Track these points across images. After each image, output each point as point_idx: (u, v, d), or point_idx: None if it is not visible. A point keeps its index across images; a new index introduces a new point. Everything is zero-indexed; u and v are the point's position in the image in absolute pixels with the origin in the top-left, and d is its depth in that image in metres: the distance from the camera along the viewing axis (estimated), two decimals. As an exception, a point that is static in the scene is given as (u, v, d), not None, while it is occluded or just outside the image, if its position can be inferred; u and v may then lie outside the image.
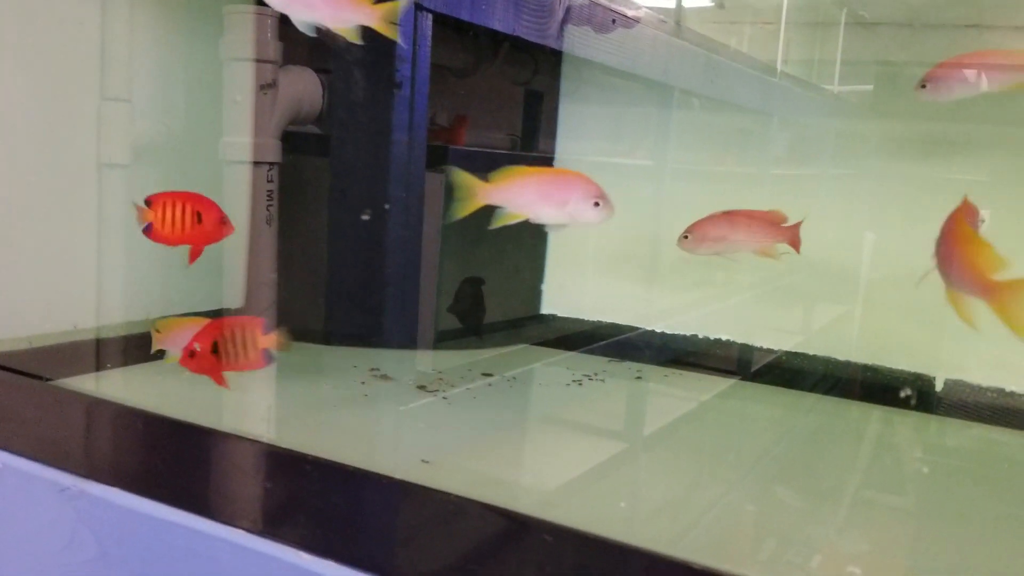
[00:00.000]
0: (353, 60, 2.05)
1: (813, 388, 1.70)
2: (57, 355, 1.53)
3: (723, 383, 1.77)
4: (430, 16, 2.05)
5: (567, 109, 2.17)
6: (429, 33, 2.06)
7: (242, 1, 1.92)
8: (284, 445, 0.92)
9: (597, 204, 1.14)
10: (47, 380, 1.30)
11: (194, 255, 1.25)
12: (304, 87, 2.07)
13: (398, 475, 0.91)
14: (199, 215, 1.22)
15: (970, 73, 1.22)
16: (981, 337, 0.93)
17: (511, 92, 2.81)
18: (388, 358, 1.83)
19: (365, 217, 1.85)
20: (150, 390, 1.52)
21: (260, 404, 1.49)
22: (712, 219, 1.35)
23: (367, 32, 2.01)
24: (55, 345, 1.54)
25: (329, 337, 1.99)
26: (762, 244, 1.35)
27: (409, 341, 1.99)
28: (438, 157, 2.18)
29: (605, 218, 1.16)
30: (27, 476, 0.95)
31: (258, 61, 1.93)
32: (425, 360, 1.85)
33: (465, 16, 2.14)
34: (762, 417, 1.66)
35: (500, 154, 2.51)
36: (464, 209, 1.18)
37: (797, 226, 1.36)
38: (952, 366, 1.57)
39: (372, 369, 1.71)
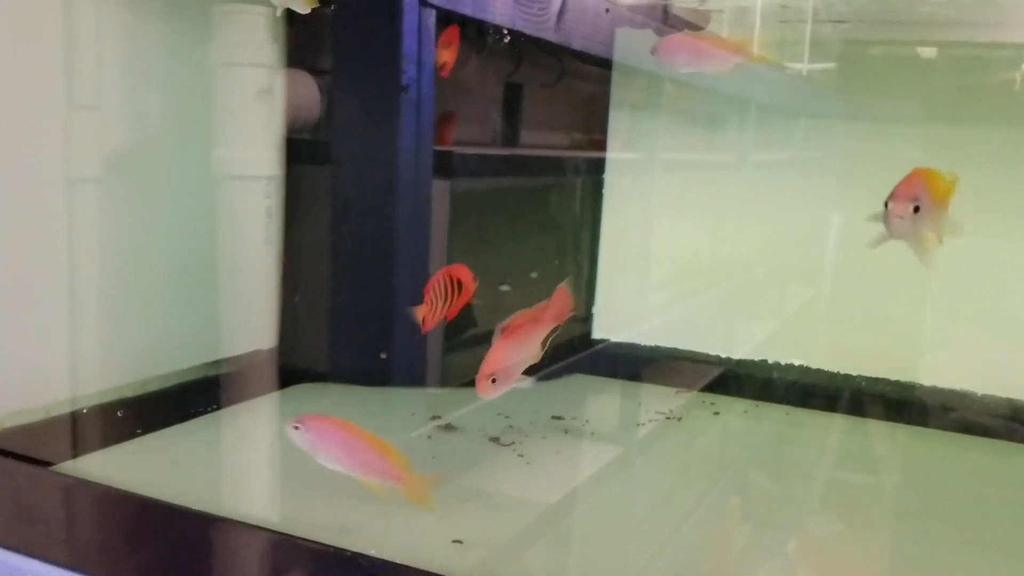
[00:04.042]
0: (353, 61, 1.89)
1: (943, 425, 1.59)
2: (52, 430, 1.35)
3: (814, 417, 1.64)
4: (434, 12, 1.90)
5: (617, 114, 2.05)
6: (433, 30, 1.91)
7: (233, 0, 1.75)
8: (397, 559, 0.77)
9: None
10: (49, 465, 1.14)
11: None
12: (301, 92, 1.91)
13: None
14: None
15: (693, 51, 1.31)
16: None
17: (491, 86, 2.68)
18: (439, 399, 1.69)
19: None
20: (190, 470, 1.35)
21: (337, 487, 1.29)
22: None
23: (368, 27, 1.87)
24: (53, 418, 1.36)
25: (331, 375, 1.83)
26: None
27: (419, 376, 1.85)
28: (442, 162, 2.04)
29: None
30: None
31: (253, 65, 1.77)
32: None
33: (468, 11, 2.00)
34: (931, 465, 1.53)
35: (502, 156, 2.37)
36: None
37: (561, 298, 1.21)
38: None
39: (433, 417, 1.56)
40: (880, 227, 1.03)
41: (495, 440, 1.45)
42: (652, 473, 1.44)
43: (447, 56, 1.63)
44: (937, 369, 1.69)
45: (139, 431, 1.44)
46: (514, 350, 1.16)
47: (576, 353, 1.96)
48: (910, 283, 1.74)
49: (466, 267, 1.32)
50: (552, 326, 1.21)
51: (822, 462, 1.51)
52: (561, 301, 1.21)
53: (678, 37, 1.35)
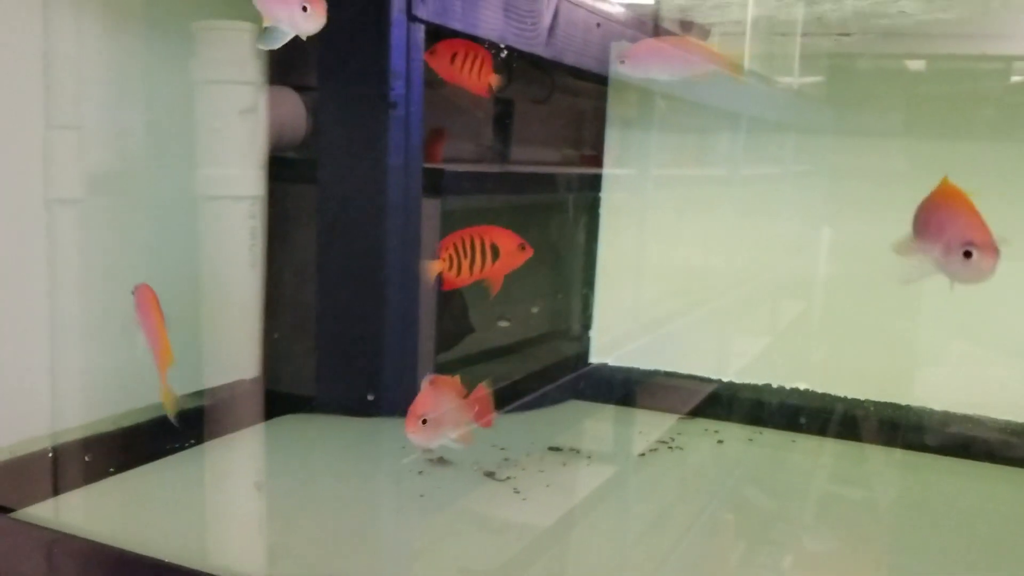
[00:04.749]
0: (340, 77, 1.85)
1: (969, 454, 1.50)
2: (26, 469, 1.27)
3: (822, 444, 1.56)
4: (423, 27, 1.86)
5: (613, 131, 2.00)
6: (422, 46, 1.87)
7: (213, 16, 1.69)
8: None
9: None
10: (9, 512, 1.06)
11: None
12: (286, 110, 1.85)
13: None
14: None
15: (663, 57, 1.31)
16: None
17: (482, 102, 2.63)
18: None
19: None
20: (165, 514, 1.27)
21: (311, 521, 1.23)
22: None
23: (355, 43, 1.82)
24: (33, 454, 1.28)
25: (319, 404, 1.76)
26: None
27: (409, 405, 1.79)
28: (433, 180, 1.98)
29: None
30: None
31: (236, 83, 1.71)
32: (479, 428, 1.61)
33: (457, 26, 1.96)
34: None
35: (495, 174, 2.32)
36: None
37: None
38: None
39: (425, 450, 1.48)
40: (900, 257, 0.95)
41: (490, 475, 1.38)
42: (657, 510, 1.37)
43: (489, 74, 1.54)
44: (947, 392, 1.63)
45: (112, 470, 1.37)
46: (443, 401, 1.14)
47: (573, 377, 1.90)
48: (912, 299, 1.70)
49: (511, 232, 1.21)
50: (471, 422, 1.14)
51: (838, 494, 1.43)
52: (480, 400, 1.15)
53: (646, 44, 1.34)
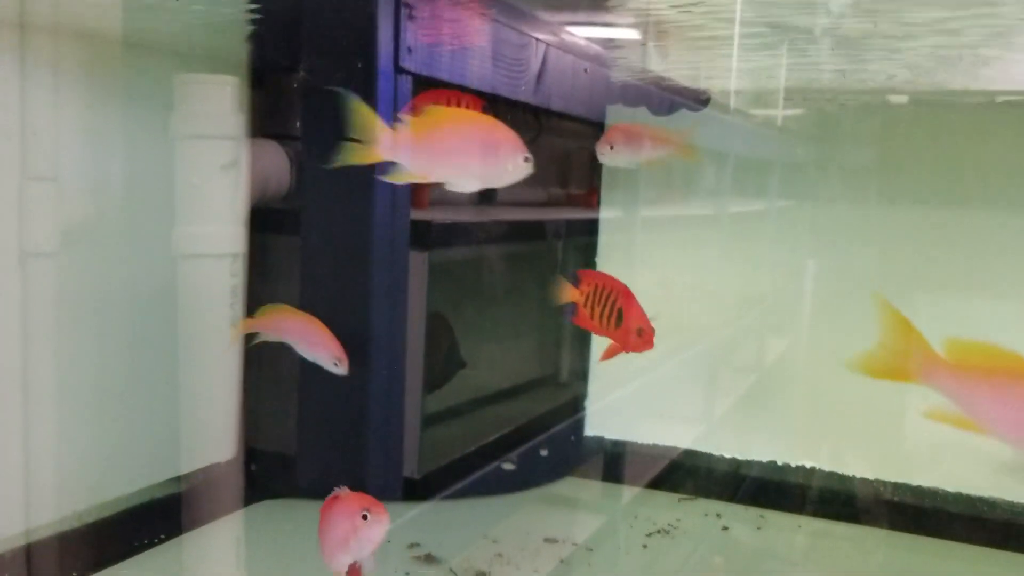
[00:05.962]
0: (324, 128, 1.80)
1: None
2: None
3: (833, 529, 1.45)
4: (410, 79, 1.82)
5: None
6: (410, 97, 1.83)
7: (195, 70, 1.65)
8: None
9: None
10: None
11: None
12: (269, 162, 1.80)
13: None
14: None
15: (637, 145, 1.36)
16: None
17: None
18: (419, 519, 1.50)
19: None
20: None
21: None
22: None
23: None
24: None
25: (301, 487, 1.67)
26: None
27: (395, 479, 1.70)
28: (420, 233, 1.93)
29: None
30: None
31: (217, 138, 1.66)
32: (469, 515, 1.51)
33: (444, 76, 1.93)
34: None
35: (484, 224, 2.27)
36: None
37: None
38: None
39: (411, 545, 1.39)
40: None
41: (481, 575, 1.29)
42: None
43: None
44: (954, 471, 1.54)
45: (73, 574, 1.27)
46: None
47: (568, 453, 1.81)
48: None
49: (642, 311, 1.09)
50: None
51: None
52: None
53: (623, 130, 1.35)
